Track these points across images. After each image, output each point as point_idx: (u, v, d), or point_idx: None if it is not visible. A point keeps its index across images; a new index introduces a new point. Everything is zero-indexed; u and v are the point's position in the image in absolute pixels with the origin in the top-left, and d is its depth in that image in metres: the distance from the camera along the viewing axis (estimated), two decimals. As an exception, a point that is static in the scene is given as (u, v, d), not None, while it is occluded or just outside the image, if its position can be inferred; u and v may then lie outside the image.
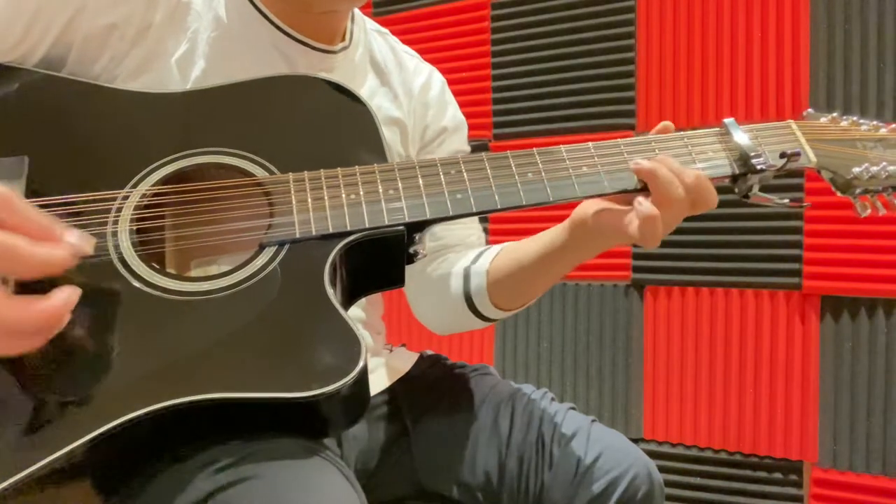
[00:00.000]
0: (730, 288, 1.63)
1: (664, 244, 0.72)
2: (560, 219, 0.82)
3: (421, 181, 0.68)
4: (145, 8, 0.73)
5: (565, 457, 0.81)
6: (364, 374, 0.57)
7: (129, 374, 0.57)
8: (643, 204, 0.68)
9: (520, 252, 0.87)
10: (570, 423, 0.85)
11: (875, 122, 0.79)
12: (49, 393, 0.56)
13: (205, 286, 0.62)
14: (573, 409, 0.88)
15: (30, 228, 0.50)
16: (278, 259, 0.63)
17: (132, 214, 0.64)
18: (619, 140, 0.74)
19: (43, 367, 0.56)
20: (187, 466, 0.57)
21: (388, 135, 0.85)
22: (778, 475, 1.60)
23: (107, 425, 0.52)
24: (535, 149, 0.72)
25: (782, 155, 0.73)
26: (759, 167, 0.72)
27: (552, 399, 0.90)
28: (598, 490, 0.79)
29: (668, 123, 0.76)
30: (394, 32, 0.98)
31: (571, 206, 0.77)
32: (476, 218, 0.98)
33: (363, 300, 0.84)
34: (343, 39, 0.86)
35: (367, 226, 0.65)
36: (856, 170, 0.75)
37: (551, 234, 0.84)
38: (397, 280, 0.72)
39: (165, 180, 0.67)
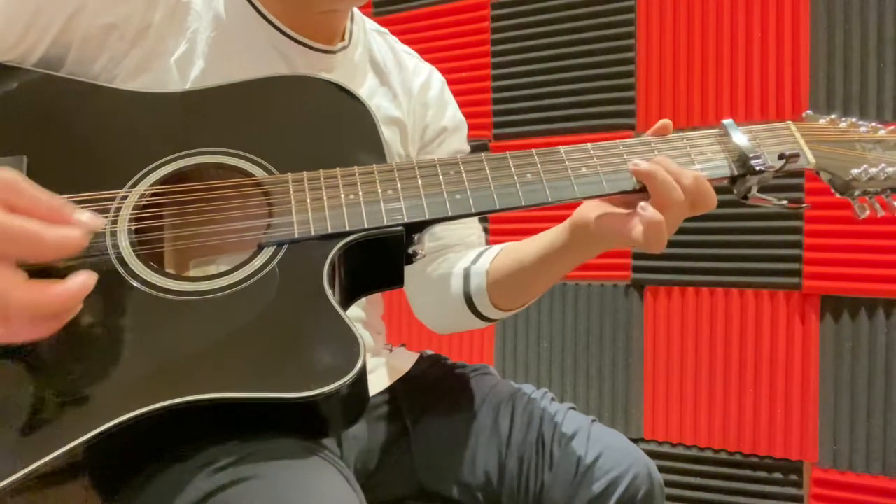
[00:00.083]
0: (730, 288, 1.63)
1: (664, 244, 0.72)
2: (560, 219, 0.82)
3: (420, 182, 0.68)
4: (145, 8, 0.73)
5: (565, 457, 0.81)
6: (363, 374, 0.57)
7: (127, 374, 0.57)
8: (647, 209, 0.68)
9: (520, 252, 0.87)
10: (571, 423, 0.85)
11: (874, 124, 0.79)
12: (48, 392, 0.55)
13: (203, 286, 0.62)
14: (573, 409, 0.88)
15: (41, 211, 0.50)
16: (277, 259, 0.63)
17: (131, 214, 0.64)
18: (617, 141, 0.74)
19: (42, 367, 0.56)
20: (186, 466, 0.57)
21: (388, 134, 0.85)
22: (778, 475, 1.60)
23: (105, 425, 0.52)
24: (534, 149, 0.72)
25: (781, 156, 0.73)
26: (757, 168, 0.72)
27: (552, 399, 0.90)
28: (598, 490, 0.79)
29: (666, 121, 0.76)
30: (394, 32, 0.97)
31: (571, 206, 0.77)
32: (476, 218, 0.98)
33: (363, 300, 0.84)
34: (342, 39, 0.86)
35: (365, 226, 0.65)
36: (854, 171, 0.75)
37: (552, 235, 0.84)
38: (396, 280, 0.72)
39: (164, 180, 0.67)
